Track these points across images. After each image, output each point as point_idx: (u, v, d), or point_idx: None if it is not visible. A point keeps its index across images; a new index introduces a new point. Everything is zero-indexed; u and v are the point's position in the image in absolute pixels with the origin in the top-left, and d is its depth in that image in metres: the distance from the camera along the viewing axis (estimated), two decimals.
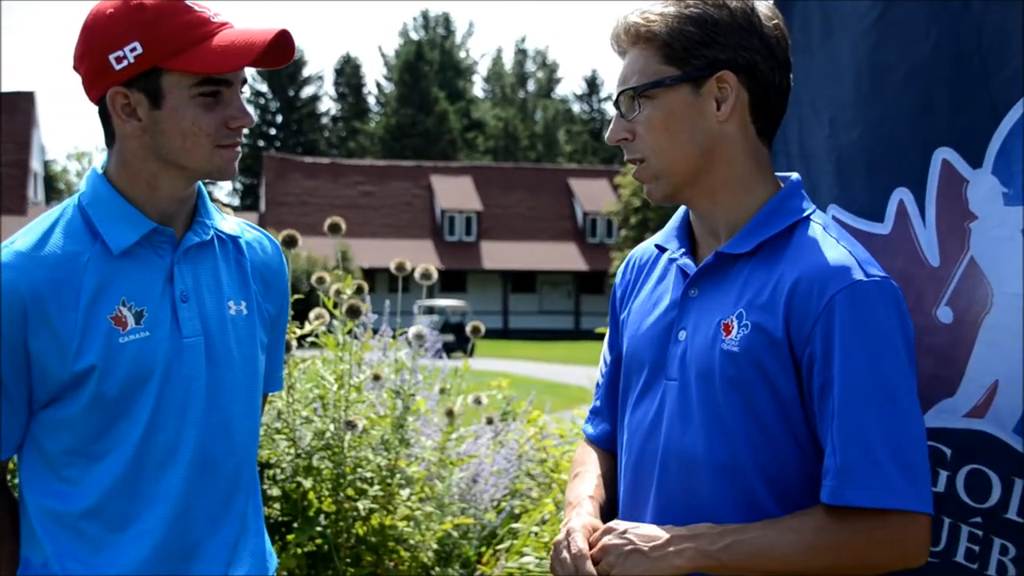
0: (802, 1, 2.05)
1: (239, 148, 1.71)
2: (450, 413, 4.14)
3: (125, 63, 1.62)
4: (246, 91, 1.77)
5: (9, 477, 1.81)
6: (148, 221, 1.69)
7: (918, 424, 1.54)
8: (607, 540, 1.60)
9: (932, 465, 1.80)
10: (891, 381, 1.52)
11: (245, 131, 1.72)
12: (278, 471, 3.70)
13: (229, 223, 1.84)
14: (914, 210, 1.87)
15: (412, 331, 4.12)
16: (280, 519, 3.70)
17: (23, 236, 1.67)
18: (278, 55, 1.70)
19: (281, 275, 1.90)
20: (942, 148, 1.84)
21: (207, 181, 1.77)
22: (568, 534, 1.65)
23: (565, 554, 1.62)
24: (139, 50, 1.62)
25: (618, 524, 1.62)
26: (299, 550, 3.61)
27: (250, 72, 1.77)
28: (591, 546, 1.61)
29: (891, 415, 1.51)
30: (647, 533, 1.58)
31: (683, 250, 1.73)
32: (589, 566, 1.58)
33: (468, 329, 4.76)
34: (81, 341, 1.62)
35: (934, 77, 1.85)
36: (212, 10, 1.68)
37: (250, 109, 1.72)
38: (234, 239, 1.82)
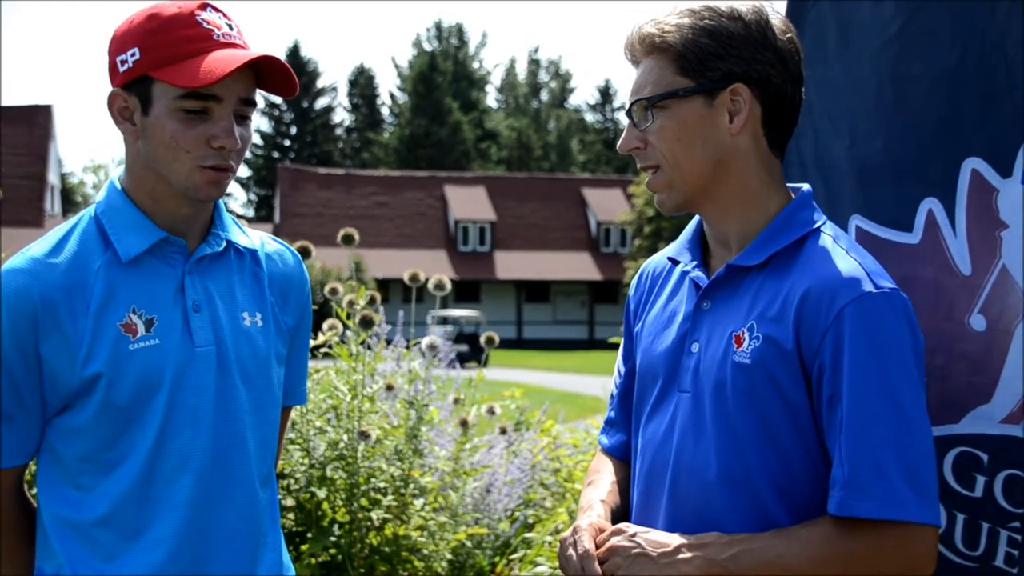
0: (815, 12, 2.05)
1: (228, 173, 1.69)
2: (464, 423, 4.15)
3: (126, 67, 1.67)
4: (255, 109, 1.73)
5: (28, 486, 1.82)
6: (158, 230, 1.71)
7: (926, 436, 1.54)
8: (615, 541, 1.61)
9: (969, 470, 1.82)
10: (899, 393, 1.52)
11: (250, 152, 1.70)
12: (292, 481, 3.72)
13: (250, 237, 1.85)
14: (944, 220, 1.88)
15: (426, 341, 4.13)
16: (294, 529, 3.72)
17: (39, 244, 1.70)
18: (279, 81, 1.70)
19: (301, 288, 1.91)
20: (971, 158, 1.85)
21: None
22: (575, 532, 1.66)
23: (571, 552, 1.63)
24: (137, 55, 1.66)
25: (627, 527, 1.63)
26: (313, 560, 3.62)
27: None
28: (599, 546, 1.62)
29: (899, 427, 1.51)
30: (656, 539, 1.59)
31: (695, 262, 1.73)
32: (595, 566, 1.59)
33: (482, 339, 4.78)
34: (90, 347, 1.64)
35: (960, 87, 1.86)
36: (225, 28, 1.68)
37: (243, 132, 1.69)
38: (252, 252, 1.83)
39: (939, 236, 1.88)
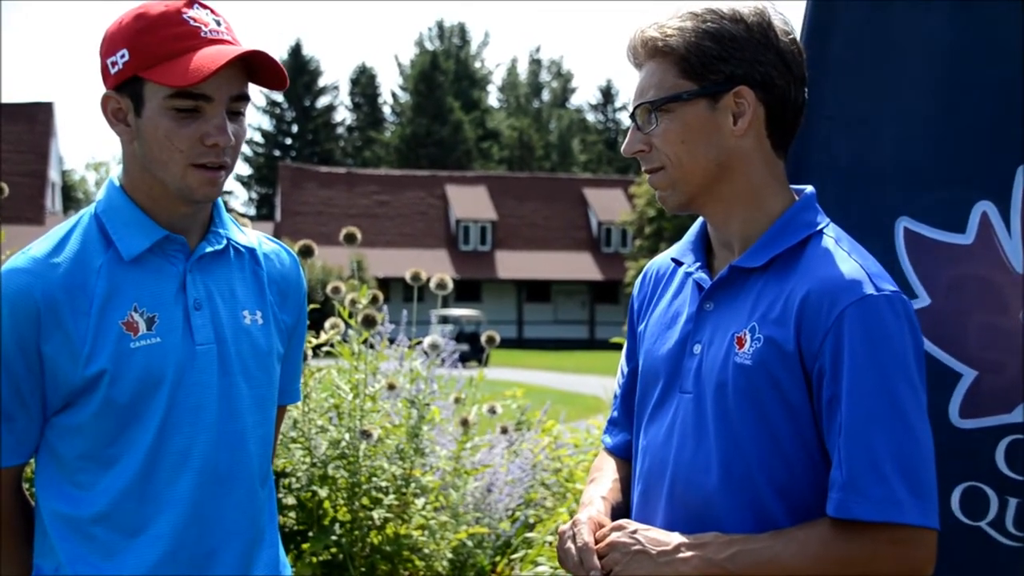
0: (848, 16, 2.03)
1: (222, 172, 1.68)
2: (465, 423, 4.15)
3: (116, 68, 1.67)
4: (253, 105, 1.74)
5: (27, 484, 1.82)
6: (159, 229, 1.71)
7: (926, 439, 1.54)
8: (615, 536, 1.61)
9: None
10: (899, 396, 1.52)
11: (247, 149, 1.68)
12: (293, 480, 3.72)
13: (247, 235, 1.85)
14: (998, 221, 1.92)
15: (427, 341, 4.13)
16: (295, 528, 3.72)
17: (40, 243, 1.70)
18: (269, 75, 1.70)
19: (298, 287, 1.91)
20: None
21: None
22: (574, 525, 1.66)
23: (570, 544, 1.64)
24: (126, 56, 1.66)
25: (628, 523, 1.64)
26: (314, 559, 3.63)
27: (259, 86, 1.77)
28: (598, 541, 1.63)
29: (898, 430, 1.51)
30: (655, 537, 1.59)
31: (699, 264, 1.73)
32: (594, 560, 1.60)
33: (483, 339, 4.77)
34: (93, 346, 1.64)
35: (1017, 95, 1.89)
36: (213, 25, 1.68)
37: (236, 128, 1.68)
38: (251, 251, 1.83)
39: (993, 237, 1.92)
